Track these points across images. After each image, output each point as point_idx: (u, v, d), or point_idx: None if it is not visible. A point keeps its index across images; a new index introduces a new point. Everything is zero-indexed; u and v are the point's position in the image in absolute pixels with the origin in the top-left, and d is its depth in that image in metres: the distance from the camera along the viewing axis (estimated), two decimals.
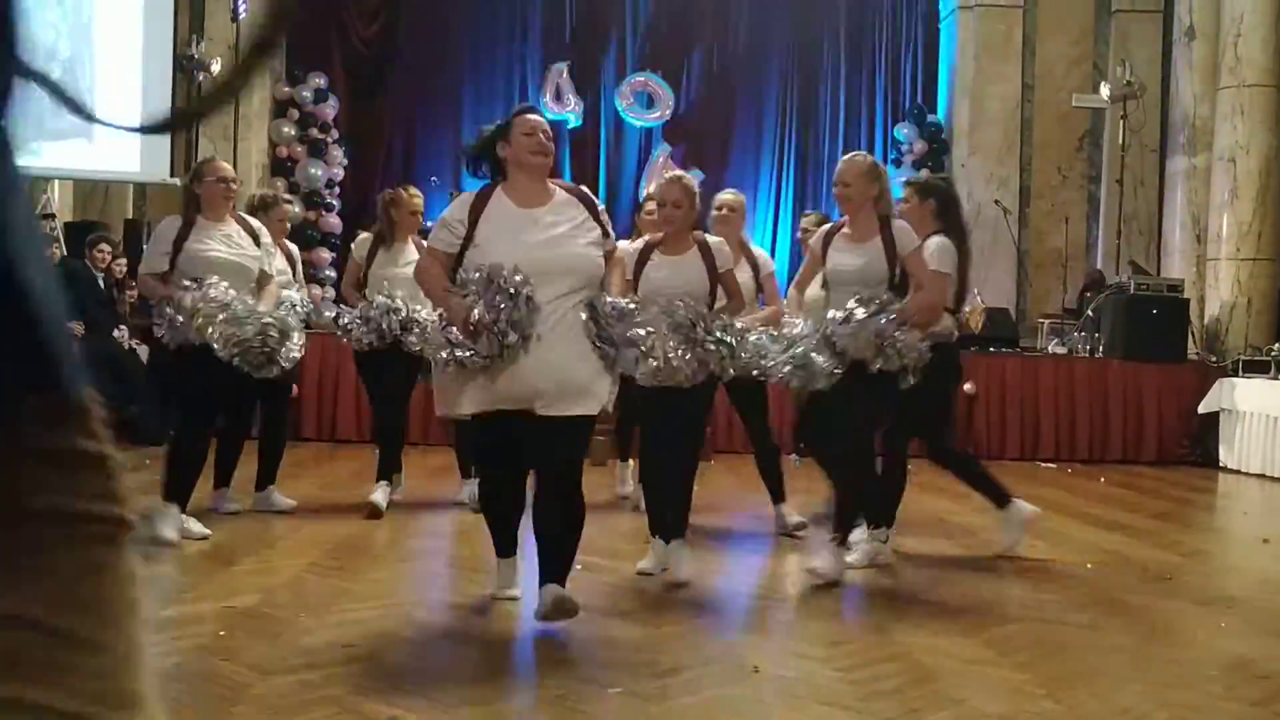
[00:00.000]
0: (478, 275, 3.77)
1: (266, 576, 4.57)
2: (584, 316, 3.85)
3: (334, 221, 13.11)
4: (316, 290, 12.62)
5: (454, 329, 3.80)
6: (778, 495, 5.91)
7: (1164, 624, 4.28)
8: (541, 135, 3.96)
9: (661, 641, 3.82)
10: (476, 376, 3.83)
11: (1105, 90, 12.23)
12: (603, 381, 3.90)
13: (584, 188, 4.21)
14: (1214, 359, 10.31)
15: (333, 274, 13.06)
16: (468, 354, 3.75)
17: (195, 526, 5.26)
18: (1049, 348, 10.80)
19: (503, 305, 3.69)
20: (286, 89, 13.04)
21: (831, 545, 4.78)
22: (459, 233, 3.92)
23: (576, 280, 3.86)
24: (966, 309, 6.66)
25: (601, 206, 4.12)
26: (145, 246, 6.10)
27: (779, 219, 14.03)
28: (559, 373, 3.78)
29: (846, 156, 4.91)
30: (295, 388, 7.36)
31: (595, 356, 3.85)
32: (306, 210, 12.89)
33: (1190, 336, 10.44)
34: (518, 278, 3.71)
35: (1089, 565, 5.33)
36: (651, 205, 5.46)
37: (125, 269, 9.54)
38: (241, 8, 11.54)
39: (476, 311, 3.69)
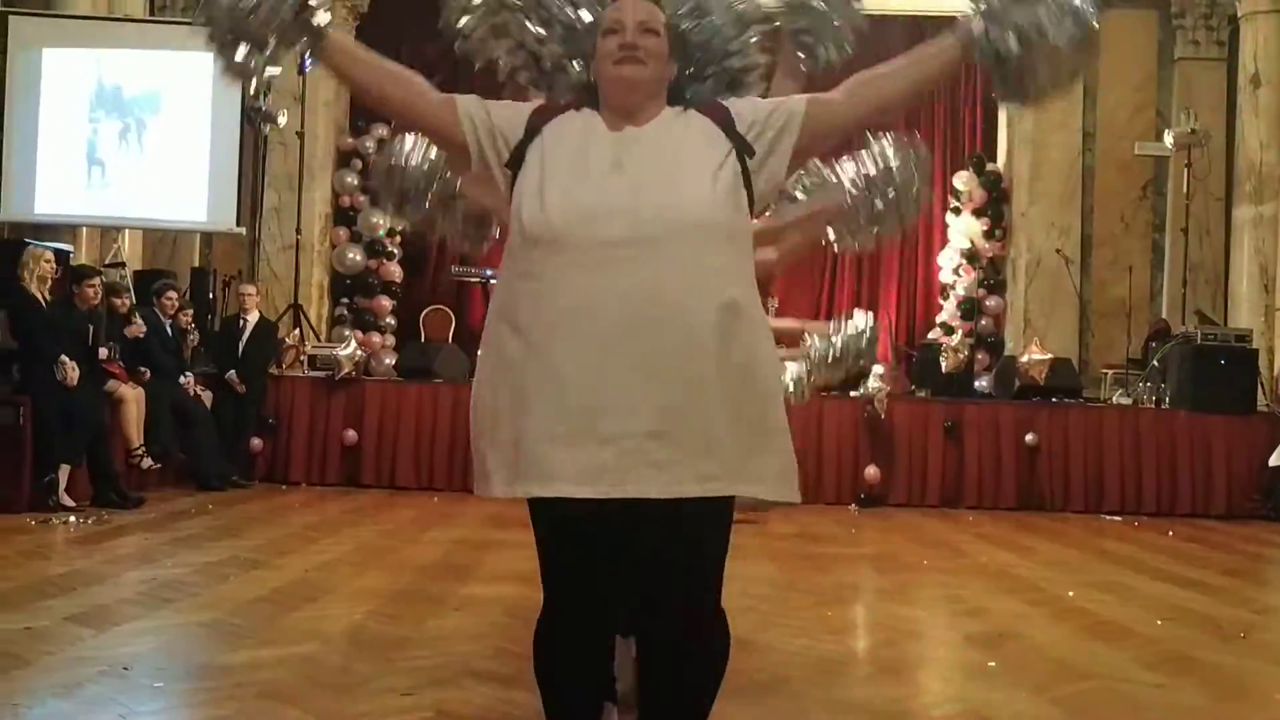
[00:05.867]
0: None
1: (326, 623, 4.57)
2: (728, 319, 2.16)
3: (394, 269, 13.26)
4: (377, 338, 12.77)
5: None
6: None
7: (1238, 683, 4.16)
8: (631, 30, 2.32)
9: None
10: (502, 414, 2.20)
11: (1169, 138, 12.08)
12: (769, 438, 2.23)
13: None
14: None
15: (393, 321, 13.20)
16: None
17: None
18: (1113, 398, 10.64)
19: None
20: (350, 140, 13.26)
21: None
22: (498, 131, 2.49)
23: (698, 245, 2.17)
24: None
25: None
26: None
27: (836, 267, 13.98)
28: (666, 406, 2.11)
29: None
30: None
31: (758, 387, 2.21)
32: (368, 259, 13.06)
33: (1260, 388, 10.24)
34: None
35: (1159, 621, 5.20)
36: None
37: (192, 317, 9.69)
38: (308, 63, 11.72)
39: None
